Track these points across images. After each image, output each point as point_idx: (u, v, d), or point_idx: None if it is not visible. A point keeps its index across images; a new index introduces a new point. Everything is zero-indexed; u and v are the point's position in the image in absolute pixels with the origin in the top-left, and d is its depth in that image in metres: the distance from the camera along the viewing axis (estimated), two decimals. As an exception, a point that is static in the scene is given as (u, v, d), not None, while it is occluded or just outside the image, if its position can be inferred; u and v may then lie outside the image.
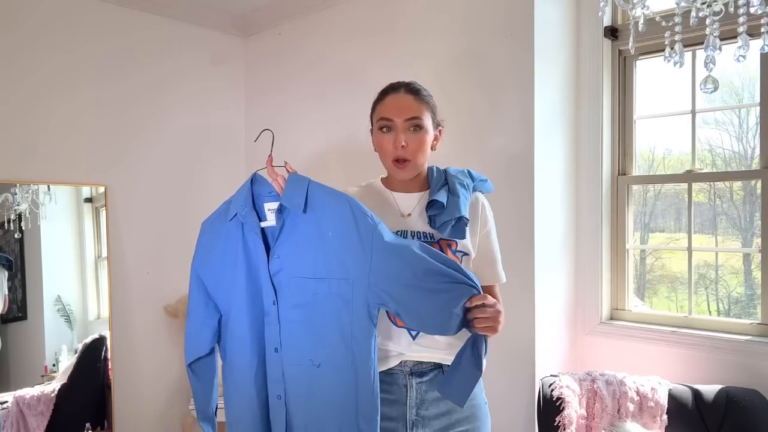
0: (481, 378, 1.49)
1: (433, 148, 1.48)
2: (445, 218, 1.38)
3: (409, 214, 1.46)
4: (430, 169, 1.51)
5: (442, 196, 1.40)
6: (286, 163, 1.41)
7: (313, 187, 1.37)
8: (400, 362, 1.41)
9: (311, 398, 1.35)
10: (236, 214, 1.39)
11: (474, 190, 1.51)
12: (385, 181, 1.54)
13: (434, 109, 1.46)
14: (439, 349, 1.40)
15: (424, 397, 1.40)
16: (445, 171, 1.50)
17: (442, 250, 1.41)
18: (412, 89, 1.44)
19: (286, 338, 1.38)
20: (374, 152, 1.53)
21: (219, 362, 1.49)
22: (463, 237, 1.41)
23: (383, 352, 1.41)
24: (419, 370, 1.41)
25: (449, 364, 1.41)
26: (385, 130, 1.43)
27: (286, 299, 1.36)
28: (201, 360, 1.47)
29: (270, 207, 1.40)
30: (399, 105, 1.42)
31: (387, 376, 1.42)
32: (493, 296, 1.50)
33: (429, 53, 2.46)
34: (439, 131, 1.49)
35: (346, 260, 1.32)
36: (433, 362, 1.41)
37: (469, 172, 1.52)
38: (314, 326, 1.34)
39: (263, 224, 1.40)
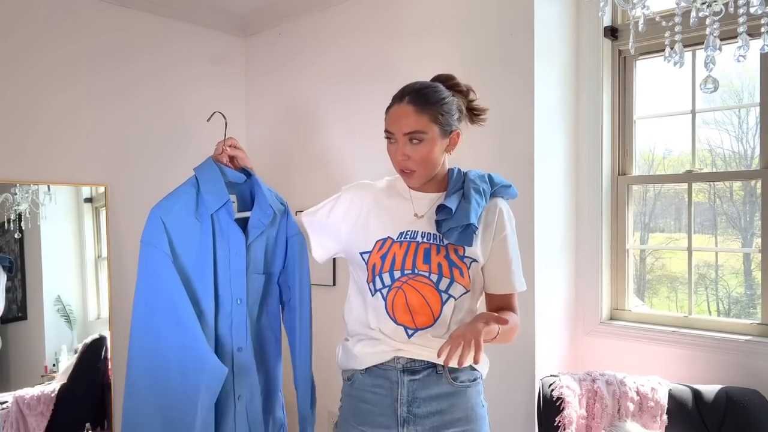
0: (480, 381, 1.48)
1: (448, 152, 1.46)
2: (452, 225, 1.37)
3: (423, 216, 1.45)
4: (450, 170, 1.49)
5: (452, 202, 1.39)
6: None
7: (266, 188, 1.52)
8: (393, 358, 1.41)
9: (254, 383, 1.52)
10: (222, 206, 1.41)
11: (495, 195, 1.48)
12: None
13: (444, 115, 1.40)
14: (434, 348, 1.40)
15: (416, 394, 1.40)
16: (465, 174, 1.48)
17: (448, 254, 1.40)
18: (416, 98, 1.38)
19: (247, 335, 1.47)
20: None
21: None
22: (469, 244, 1.39)
23: (378, 347, 1.42)
24: (412, 367, 1.41)
25: (443, 364, 1.41)
26: (390, 141, 1.42)
27: (249, 295, 1.46)
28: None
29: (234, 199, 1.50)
30: (398, 119, 1.39)
31: (379, 370, 1.42)
32: (509, 306, 1.49)
33: (429, 53, 2.46)
34: (457, 135, 1.44)
35: (278, 256, 1.52)
36: (427, 361, 1.41)
37: (489, 177, 1.49)
38: (252, 317, 1.49)
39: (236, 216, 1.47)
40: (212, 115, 1.55)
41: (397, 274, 1.40)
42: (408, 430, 1.40)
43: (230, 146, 1.53)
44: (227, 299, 1.42)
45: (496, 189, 1.48)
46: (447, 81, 1.46)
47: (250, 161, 1.57)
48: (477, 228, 1.40)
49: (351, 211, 1.50)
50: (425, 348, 1.40)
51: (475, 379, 1.46)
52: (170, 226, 1.38)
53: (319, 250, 1.57)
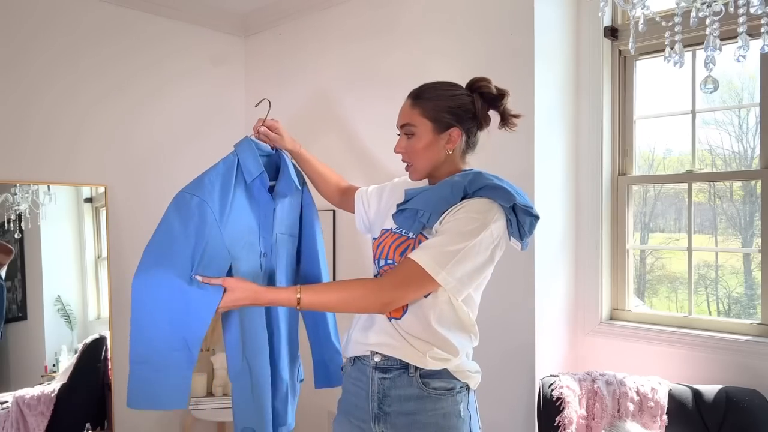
0: (462, 391, 1.41)
1: (448, 149, 1.42)
2: (402, 207, 1.42)
3: None
4: (462, 171, 1.46)
5: (416, 191, 1.44)
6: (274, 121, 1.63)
7: (291, 162, 1.70)
8: (370, 353, 1.43)
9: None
10: (256, 177, 1.52)
11: (480, 195, 1.37)
12: None
13: (438, 110, 1.40)
14: (413, 348, 1.37)
15: (387, 392, 1.40)
16: (460, 173, 1.45)
17: (414, 248, 1.37)
18: (414, 94, 1.46)
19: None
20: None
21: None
22: (407, 228, 1.40)
23: (362, 336, 1.45)
24: (384, 365, 1.40)
25: (416, 365, 1.37)
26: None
27: (280, 256, 1.63)
28: None
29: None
30: (399, 114, 1.48)
31: (360, 363, 1.46)
32: (398, 267, 1.35)
33: (429, 54, 2.46)
34: (457, 133, 1.42)
35: (295, 220, 1.71)
36: (400, 361, 1.38)
37: (477, 174, 1.41)
38: (281, 276, 1.65)
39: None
40: (260, 102, 1.69)
41: (381, 263, 1.45)
42: (379, 426, 1.41)
43: (265, 129, 1.62)
44: (255, 252, 1.58)
45: (479, 189, 1.37)
46: (474, 83, 1.45)
47: (285, 141, 1.64)
48: (422, 214, 1.36)
49: (384, 199, 1.61)
50: (400, 347, 1.38)
51: (452, 388, 1.39)
52: (216, 186, 1.48)
53: (359, 221, 1.70)
